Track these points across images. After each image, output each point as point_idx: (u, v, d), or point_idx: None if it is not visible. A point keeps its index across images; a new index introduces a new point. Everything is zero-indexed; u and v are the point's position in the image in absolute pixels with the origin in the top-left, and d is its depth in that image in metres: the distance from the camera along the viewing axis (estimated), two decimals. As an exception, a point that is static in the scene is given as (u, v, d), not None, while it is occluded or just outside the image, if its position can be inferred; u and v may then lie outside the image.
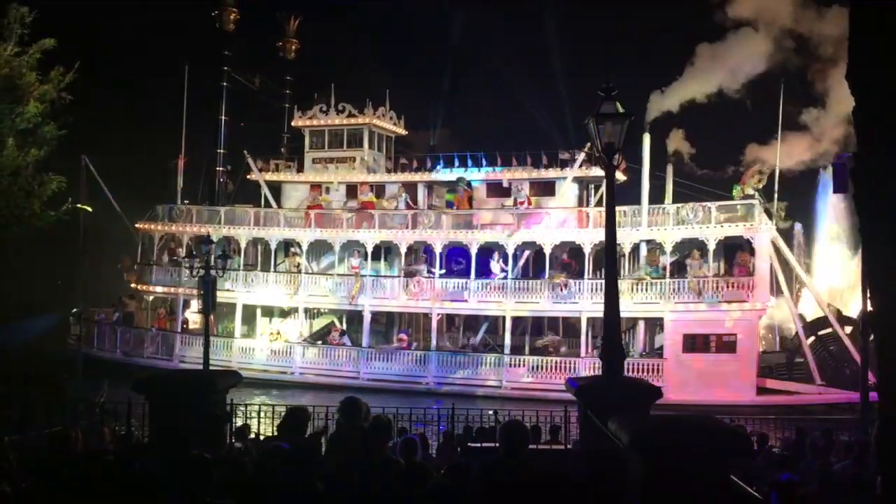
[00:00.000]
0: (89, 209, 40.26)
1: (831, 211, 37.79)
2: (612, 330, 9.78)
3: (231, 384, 9.20)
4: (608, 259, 10.38)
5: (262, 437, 12.71)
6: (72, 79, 38.98)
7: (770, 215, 28.64)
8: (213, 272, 24.94)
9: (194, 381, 9.32)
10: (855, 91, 4.77)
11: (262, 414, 16.18)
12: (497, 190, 32.50)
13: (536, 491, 5.75)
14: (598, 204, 31.56)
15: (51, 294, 43.46)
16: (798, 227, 42.37)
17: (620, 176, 32.22)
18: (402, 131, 37.04)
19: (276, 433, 9.64)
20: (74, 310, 39.20)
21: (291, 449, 6.43)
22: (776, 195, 30.14)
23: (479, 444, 10.11)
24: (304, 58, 42.02)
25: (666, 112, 30.58)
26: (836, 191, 20.79)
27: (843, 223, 37.73)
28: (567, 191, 31.75)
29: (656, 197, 30.07)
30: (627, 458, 5.53)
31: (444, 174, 33.05)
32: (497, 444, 6.17)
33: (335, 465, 6.63)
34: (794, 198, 35.50)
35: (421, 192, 33.92)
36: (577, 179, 31.97)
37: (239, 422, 14.32)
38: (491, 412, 17.07)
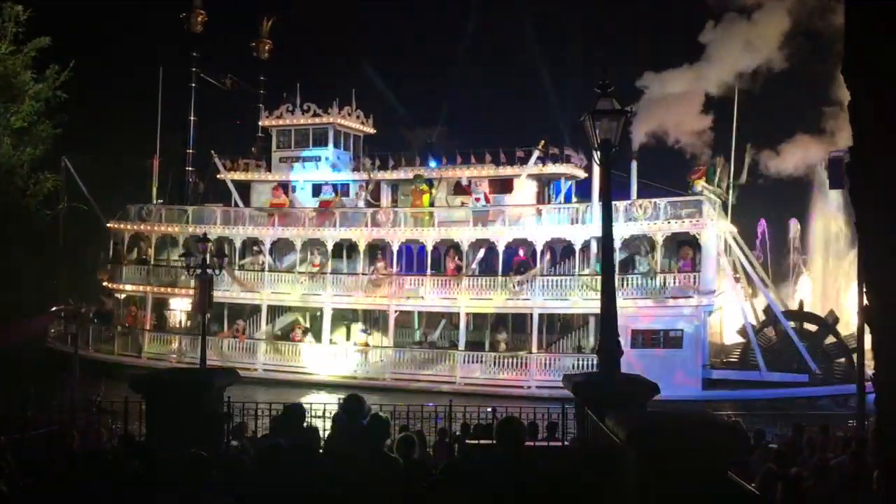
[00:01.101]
0: (85, 208, 41.09)
1: (828, 208, 38.36)
2: (609, 326, 9.78)
3: (228, 382, 9.16)
4: (604, 256, 10.48)
5: (259, 436, 12.48)
6: (67, 77, 39.89)
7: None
8: (209, 271, 25.24)
9: (191, 379, 9.25)
10: (851, 85, 4.74)
11: (260, 412, 16.23)
12: (458, 188, 32.80)
13: (533, 487, 5.75)
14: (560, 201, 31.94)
15: (39, 293, 44.18)
16: (794, 224, 42.65)
17: (581, 173, 32.61)
18: (370, 130, 37.41)
19: (270, 431, 9.75)
20: (54, 308, 40.00)
21: (289, 446, 6.47)
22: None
23: (476, 441, 10.02)
24: (294, 58, 42.70)
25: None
26: (832, 186, 20.76)
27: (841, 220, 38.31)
28: (525, 188, 32.03)
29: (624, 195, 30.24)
30: (625, 455, 5.52)
31: (403, 172, 33.40)
32: (494, 441, 6.21)
33: (334, 462, 6.62)
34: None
35: (384, 191, 34.33)
36: (535, 177, 32.26)
37: (236, 420, 14.44)
38: (489, 409, 16.80)
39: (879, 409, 5.06)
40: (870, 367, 6.91)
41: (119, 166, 41.46)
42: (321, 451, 7.50)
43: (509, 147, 32.73)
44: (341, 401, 7.04)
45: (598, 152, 9.99)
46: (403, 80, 51.31)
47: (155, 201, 37.85)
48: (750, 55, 30.36)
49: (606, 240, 10.19)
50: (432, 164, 33.37)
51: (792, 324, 28.67)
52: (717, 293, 28.59)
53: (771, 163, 38.64)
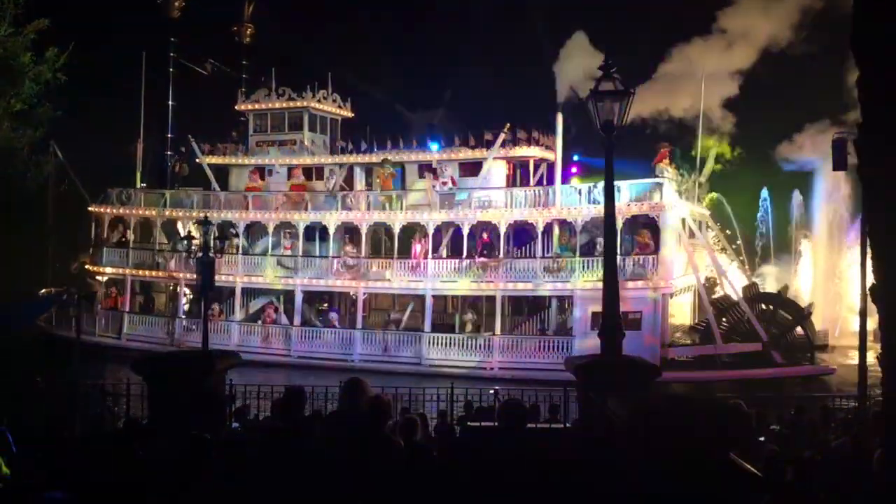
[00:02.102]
0: (64, 188, 41.76)
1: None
2: (610, 308, 9.75)
3: (230, 365, 9.14)
4: (607, 237, 10.32)
5: (261, 419, 12.58)
6: (66, 60, 40.37)
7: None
8: (210, 254, 25.64)
9: (193, 361, 9.20)
10: (860, 61, 4.68)
11: (262, 395, 15.94)
12: (428, 171, 32.98)
13: (535, 469, 5.79)
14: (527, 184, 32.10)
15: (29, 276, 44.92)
16: (797, 197, 42.60)
17: (547, 154, 32.66)
18: (347, 114, 37.63)
19: (272, 414, 9.74)
20: (43, 291, 40.82)
21: (289, 428, 6.50)
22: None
23: (478, 423, 10.01)
24: (284, 42, 42.82)
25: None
26: (835, 168, 20.70)
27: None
28: (495, 171, 32.16)
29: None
30: (627, 437, 5.55)
31: (376, 156, 33.58)
32: (496, 423, 6.25)
33: (335, 446, 6.56)
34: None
35: (357, 174, 34.59)
36: (505, 160, 32.37)
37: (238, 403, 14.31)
38: (491, 392, 17.25)
39: (886, 388, 5.19)
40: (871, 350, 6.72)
41: (105, 150, 41.94)
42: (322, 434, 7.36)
43: (479, 130, 32.84)
44: (342, 384, 7.01)
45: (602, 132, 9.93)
46: (405, 61, 51.33)
47: (139, 185, 38.40)
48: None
49: (610, 219, 10.13)
50: (433, 146, 33.44)
51: (763, 306, 28.84)
52: (681, 275, 28.69)
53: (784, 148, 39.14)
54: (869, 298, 6.85)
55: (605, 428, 6.63)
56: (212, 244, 25.88)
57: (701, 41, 36.00)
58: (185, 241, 28.19)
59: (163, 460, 6.37)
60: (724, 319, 28.19)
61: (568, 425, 10.30)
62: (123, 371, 27.98)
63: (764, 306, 28.49)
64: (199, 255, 25.79)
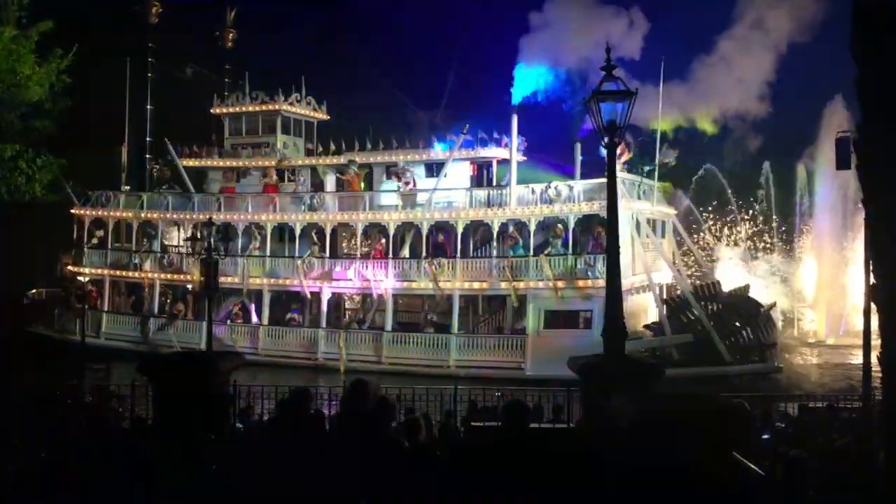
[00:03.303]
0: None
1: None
2: (613, 307, 9.61)
3: (235, 365, 9.23)
4: (609, 237, 10.13)
5: (265, 419, 12.76)
6: (70, 61, 41.19)
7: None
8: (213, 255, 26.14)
9: (198, 362, 9.28)
10: (858, 62, 4.73)
11: (266, 395, 16.23)
12: (390, 172, 33.41)
13: (539, 468, 5.80)
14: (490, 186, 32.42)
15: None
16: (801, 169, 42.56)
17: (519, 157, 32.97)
18: (322, 116, 38.24)
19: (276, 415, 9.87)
20: (32, 291, 41.87)
21: (295, 428, 6.59)
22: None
23: (482, 423, 10.09)
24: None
25: None
26: (838, 167, 20.71)
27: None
28: (459, 172, 32.54)
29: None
30: (630, 436, 5.57)
31: (345, 157, 34.09)
32: (500, 423, 6.26)
33: (340, 445, 6.62)
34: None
35: (329, 176, 35.11)
36: (469, 161, 32.72)
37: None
38: (498, 393, 17.49)
39: (886, 387, 5.20)
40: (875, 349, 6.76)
41: (93, 154, 42.88)
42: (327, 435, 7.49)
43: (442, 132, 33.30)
44: (347, 385, 7.03)
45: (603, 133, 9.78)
46: (410, 63, 51.85)
47: (123, 188, 39.27)
48: None
49: (612, 215, 9.88)
50: (437, 146, 33.79)
51: (715, 305, 28.93)
52: (636, 274, 28.83)
53: None
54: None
55: (609, 428, 6.60)
56: (213, 245, 26.11)
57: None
58: (190, 242, 28.94)
59: (168, 459, 6.41)
60: (678, 317, 28.32)
61: (572, 425, 10.45)
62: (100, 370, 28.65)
63: (715, 306, 28.56)
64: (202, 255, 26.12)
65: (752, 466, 6.17)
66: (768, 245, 47.17)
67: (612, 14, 37.30)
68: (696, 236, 41.43)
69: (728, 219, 48.03)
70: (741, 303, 29.30)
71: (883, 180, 4.51)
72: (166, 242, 36.88)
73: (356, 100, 45.85)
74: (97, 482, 6.39)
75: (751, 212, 48.36)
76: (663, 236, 32.77)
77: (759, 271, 40.44)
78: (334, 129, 38.15)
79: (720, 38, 40.87)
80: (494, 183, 32.47)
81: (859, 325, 22.55)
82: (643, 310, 30.34)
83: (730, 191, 46.10)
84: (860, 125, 4.76)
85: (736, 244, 44.94)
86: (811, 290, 43.74)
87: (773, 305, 30.79)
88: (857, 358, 30.48)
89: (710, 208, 47.57)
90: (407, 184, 31.84)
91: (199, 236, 28.05)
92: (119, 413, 14.58)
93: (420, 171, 33.09)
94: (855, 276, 33.73)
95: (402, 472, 6.10)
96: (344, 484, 6.05)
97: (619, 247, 9.95)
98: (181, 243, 36.14)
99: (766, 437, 11.89)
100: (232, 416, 10.81)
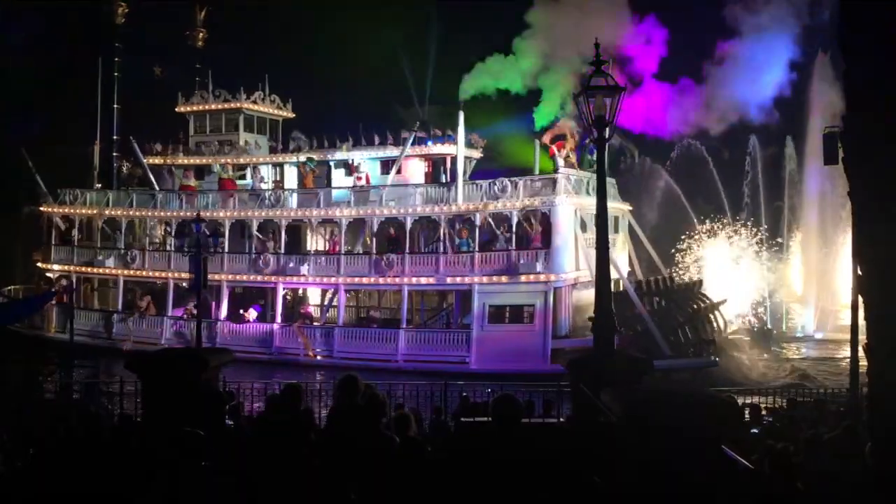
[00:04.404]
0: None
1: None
2: (603, 302, 9.61)
3: (224, 361, 9.26)
4: (599, 232, 10.07)
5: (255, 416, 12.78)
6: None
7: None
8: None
9: (187, 359, 9.27)
10: (845, 55, 4.80)
11: (255, 392, 16.60)
12: (349, 168, 33.79)
13: (529, 463, 5.79)
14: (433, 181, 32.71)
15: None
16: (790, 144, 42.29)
17: (475, 153, 33.24)
18: (287, 114, 38.69)
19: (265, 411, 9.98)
20: (9, 288, 42.48)
21: (285, 423, 6.59)
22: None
23: (472, 419, 10.08)
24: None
25: None
26: (826, 163, 20.82)
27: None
28: (413, 169, 32.87)
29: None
30: (621, 431, 5.58)
31: (303, 154, 34.49)
32: (490, 419, 6.22)
33: (331, 441, 6.62)
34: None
35: (288, 173, 35.54)
36: (424, 157, 33.06)
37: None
38: (489, 390, 17.44)
39: (871, 376, 5.17)
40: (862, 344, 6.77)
41: (68, 153, 43.55)
42: (319, 430, 7.46)
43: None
44: (337, 381, 7.05)
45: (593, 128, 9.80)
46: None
47: (95, 186, 39.84)
48: None
49: (601, 210, 9.90)
50: (429, 143, 34.04)
51: (658, 300, 29.10)
52: (580, 269, 29.03)
53: None
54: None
55: (598, 421, 6.65)
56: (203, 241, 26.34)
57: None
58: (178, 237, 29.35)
59: (157, 457, 6.38)
60: (622, 312, 28.47)
61: (562, 420, 10.36)
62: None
63: (661, 301, 28.71)
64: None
65: (741, 460, 6.19)
66: (758, 241, 46.09)
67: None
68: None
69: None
70: (686, 298, 29.45)
71: (869, 172, 4.53)
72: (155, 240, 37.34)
73: (338, 96, 46.44)
74: (88, 479, 6.38)
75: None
76: (616, 232, 32.94)
77: (745, 263, 40.28)
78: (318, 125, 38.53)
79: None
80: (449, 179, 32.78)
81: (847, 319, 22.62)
82: (590, 304, 30.46)
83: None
84: (846, 117, 4.80)
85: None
86: (800, 283, 43.78)
87: (723, 302, 30.90)
88: (842, 352, 30.61)
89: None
90: (359, 179, 32.19)
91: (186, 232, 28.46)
92: (109, 410, 14.61)
93: (376, 167, 33.47)
94: (844, 270, 33.53)
95: (392, 467, 6.10)
96: (334, 477, 6.06)
97: (608, 244, 9.97)
98: (156, 239, 36.78)
99: (754, 431, 11.94)
100: (223, 412, 10.64)
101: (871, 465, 6.75)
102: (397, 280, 30.35)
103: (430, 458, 6.44)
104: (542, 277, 27.77)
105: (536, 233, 28.25)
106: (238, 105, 36.42)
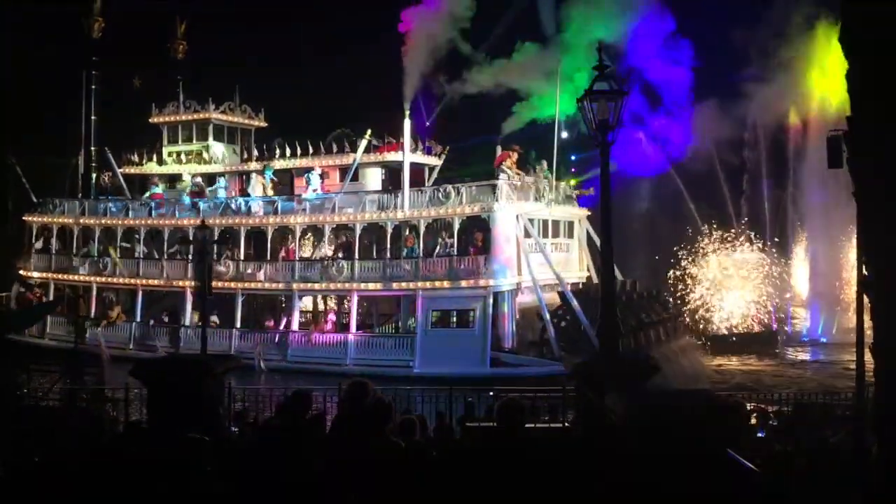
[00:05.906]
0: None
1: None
2: (608, 307, 9.71)
3: (229, 368, 9.32)
4: (603, 238, 9.98)
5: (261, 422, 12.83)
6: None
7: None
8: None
9: (192, 365, 9.27)
10: (848, 54, 4.80)
11: (261, 399, 16.80)
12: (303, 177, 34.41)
13: (534, 467, 5.80)
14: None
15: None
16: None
17: (434, 160, 33.73)
18: (260, 124, 39.52)
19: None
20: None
21: (291, 430, 6.66)
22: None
23: (477, 424, 10.09)
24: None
25: None
26: (830, 166, 20.91)
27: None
28: (370, 175, 33.44)
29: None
30: (625, 434, 5.59)
31: (267, 163, 35.20)
32: (495, 423, 6.23)
33: (337, 447, 6.62)
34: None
35: (256, 181, 36.26)
36: (380, 164, 33.60)
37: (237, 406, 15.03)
38: (491, 393, 17.77)
39: (877, 376, 5.14)
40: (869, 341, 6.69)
41: (52, 163, 44.78)
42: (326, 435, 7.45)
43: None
44: (344, 387, 7.10)
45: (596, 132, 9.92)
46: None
47: (79, 196, 41.02)
48: None
49: (605, 214, 9.99)
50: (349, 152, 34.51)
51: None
52: (521, 275, 29.25)
53: None
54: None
55: (603, 425, 6.63)
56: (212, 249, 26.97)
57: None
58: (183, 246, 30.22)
59: (162, 462, 6.40)
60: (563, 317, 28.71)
61: (567, 425, 10.42)
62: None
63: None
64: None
65: (748, 463, 6.07)
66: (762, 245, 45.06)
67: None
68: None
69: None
70: (641, 307, 29.55)
71: (874, 173, 4.47)
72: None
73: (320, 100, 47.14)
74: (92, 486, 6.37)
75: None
76: (570, 237, 33.14)
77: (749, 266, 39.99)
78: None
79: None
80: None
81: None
82: (534, 309, 30.73)
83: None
84: (850, 117, 4.71)
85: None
86: (805, 288, 43.28)
87: (680, 315, 30.84)
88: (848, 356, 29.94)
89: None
90: (316, 191, 32.79)
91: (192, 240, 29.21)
92: (114, 417, 14.78)
93: (336, 174, 34.07)
94: (850, 274, 33.05)
95: (397, 472, 6.12)
96: (339, 483, 6.11)
97: (611, 250, 10.08)
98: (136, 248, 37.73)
99: (760, 434, 12.12)
100: (227, 418, 10.93)
101: (877, 468, 6.62)
102: (346, 286, 30.90)
103: (435, 462, 6.49)
104: (482, 283, 28.10)
105: (478, 239, 28.58)
106: (207, 116, 37.30)
